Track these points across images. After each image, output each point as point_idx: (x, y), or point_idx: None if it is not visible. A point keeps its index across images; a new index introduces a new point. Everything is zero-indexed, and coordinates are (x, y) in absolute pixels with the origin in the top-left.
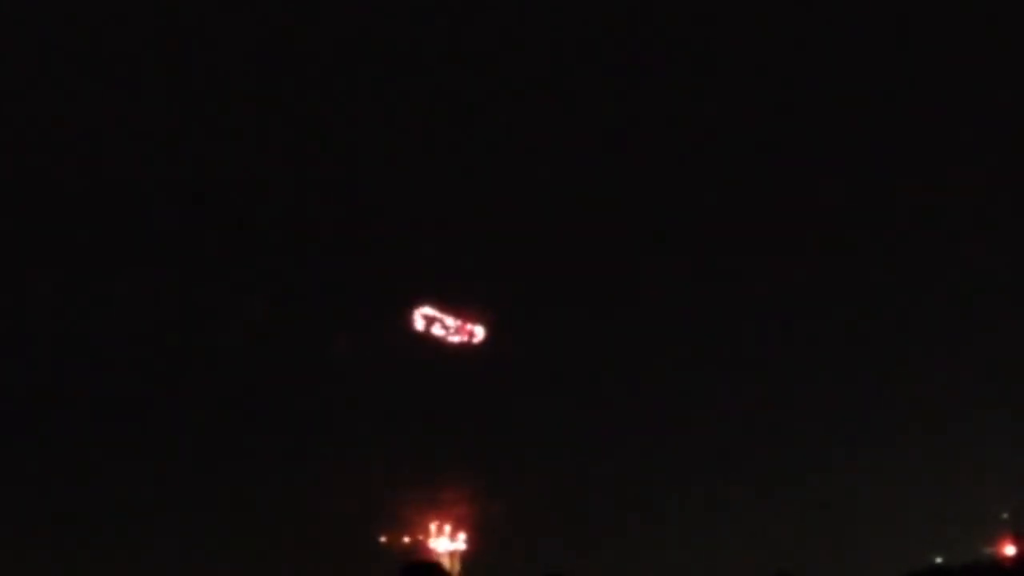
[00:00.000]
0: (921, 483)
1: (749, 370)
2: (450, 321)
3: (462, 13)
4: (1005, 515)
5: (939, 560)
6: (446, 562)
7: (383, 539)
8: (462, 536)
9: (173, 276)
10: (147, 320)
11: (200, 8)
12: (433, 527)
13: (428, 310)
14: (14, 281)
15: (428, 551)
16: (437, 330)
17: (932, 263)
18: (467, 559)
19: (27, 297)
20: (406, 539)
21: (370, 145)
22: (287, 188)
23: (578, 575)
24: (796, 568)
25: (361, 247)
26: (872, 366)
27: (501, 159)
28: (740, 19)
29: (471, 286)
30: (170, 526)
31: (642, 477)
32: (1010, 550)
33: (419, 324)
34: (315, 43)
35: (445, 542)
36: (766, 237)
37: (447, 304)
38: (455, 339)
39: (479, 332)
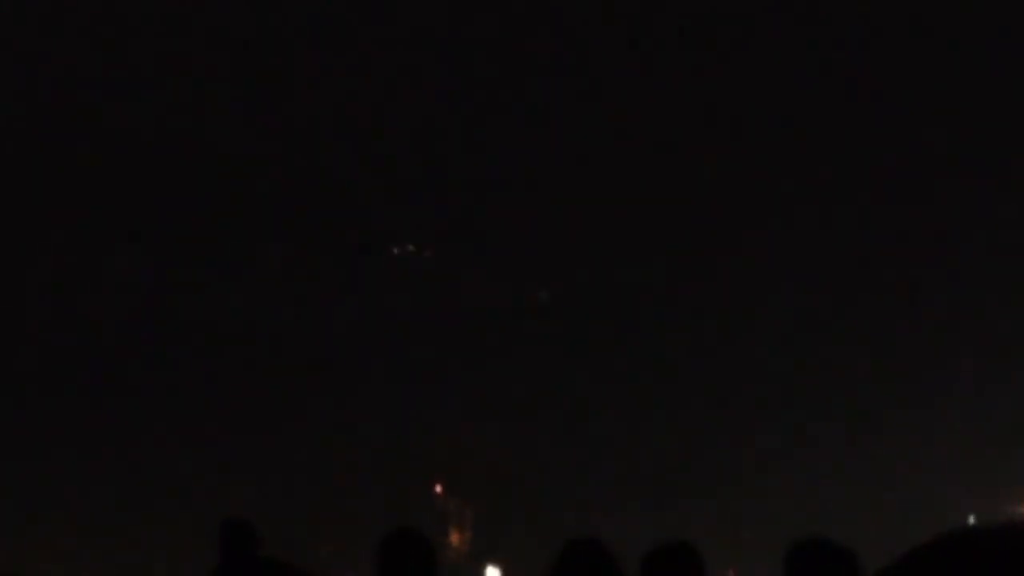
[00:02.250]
0: (949, 444)
1: (779, 328)
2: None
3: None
4: None
5: (972, 520)
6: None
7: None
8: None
9: (178, 235)
10: (149, 282)
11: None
12: (439, 489)
13: None
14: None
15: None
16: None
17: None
18: (481, 525)
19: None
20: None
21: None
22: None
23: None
24: (822, 532)
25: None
26: (906, 329)
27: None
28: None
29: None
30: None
31: (663, 443)
32: None
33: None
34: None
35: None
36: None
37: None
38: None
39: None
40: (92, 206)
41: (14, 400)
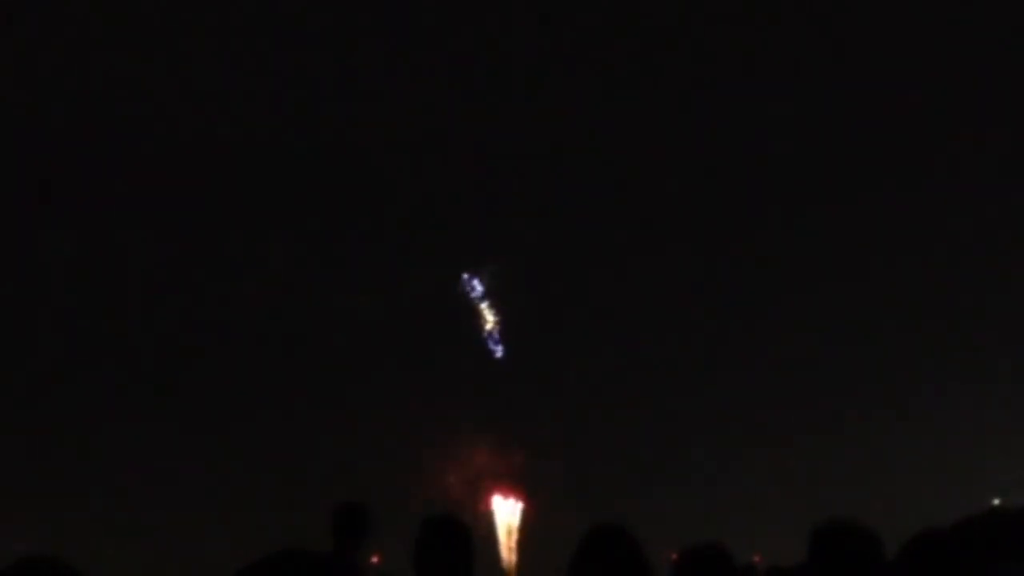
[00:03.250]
0: (968, 426)
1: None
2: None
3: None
4: None
5: (996, 502)
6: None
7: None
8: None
9: (192, 222)
10: (163, 267)
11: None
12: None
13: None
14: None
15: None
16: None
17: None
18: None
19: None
20: None
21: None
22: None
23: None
24: (847, 512)
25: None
26: (942, 303)
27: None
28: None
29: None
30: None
31: (685, 426)
32: None
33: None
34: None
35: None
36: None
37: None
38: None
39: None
40: (96, 204)
41: (75, 391)
